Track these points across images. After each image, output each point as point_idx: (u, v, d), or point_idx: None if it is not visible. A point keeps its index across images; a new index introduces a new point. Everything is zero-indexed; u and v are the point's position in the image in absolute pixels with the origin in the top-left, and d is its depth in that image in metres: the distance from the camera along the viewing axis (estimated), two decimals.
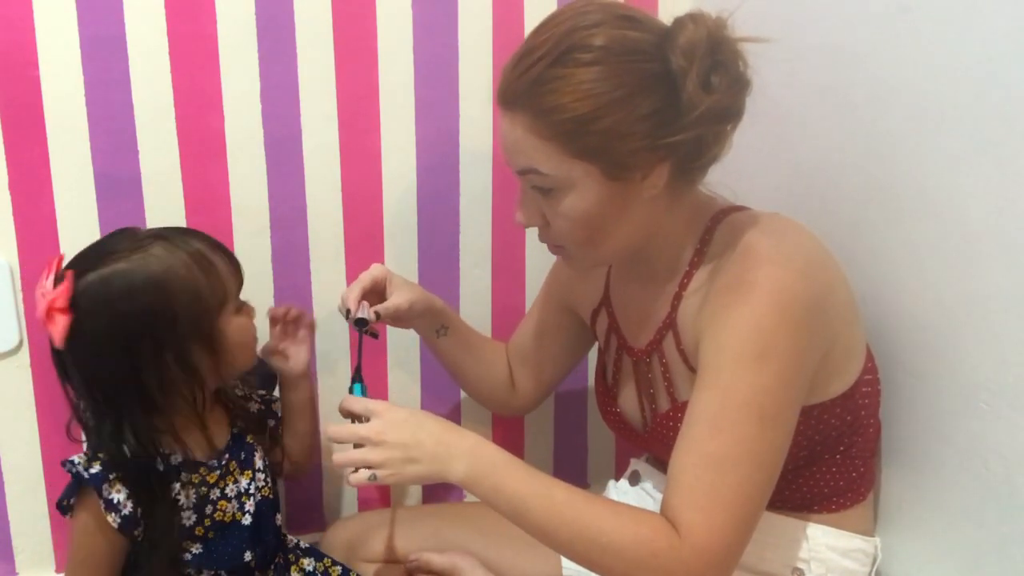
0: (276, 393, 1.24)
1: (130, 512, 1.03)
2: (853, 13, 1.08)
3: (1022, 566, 0.93)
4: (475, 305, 1.40)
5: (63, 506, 1.05)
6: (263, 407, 1.21)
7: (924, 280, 1.01)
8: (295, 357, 1.22)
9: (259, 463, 1.14)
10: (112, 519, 1.03)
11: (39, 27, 1.16)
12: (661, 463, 1.17)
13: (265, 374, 1.23)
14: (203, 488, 1.08)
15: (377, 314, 1.13)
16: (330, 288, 1.33)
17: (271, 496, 1.14)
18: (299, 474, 1.27)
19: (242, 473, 1.12)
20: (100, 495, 1.03)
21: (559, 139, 0.91)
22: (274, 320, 1.22)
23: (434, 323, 1.22)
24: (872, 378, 1.03)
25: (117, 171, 1.22)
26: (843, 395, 1.00)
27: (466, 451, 0.94)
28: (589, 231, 0.96)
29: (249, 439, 1.14)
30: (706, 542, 0.87)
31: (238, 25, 1.22)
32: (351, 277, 1.34)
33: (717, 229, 1.00)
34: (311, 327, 1.25)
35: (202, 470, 1.09)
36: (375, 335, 1.15)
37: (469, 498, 1.43)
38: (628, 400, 1.13)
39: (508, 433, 1.49)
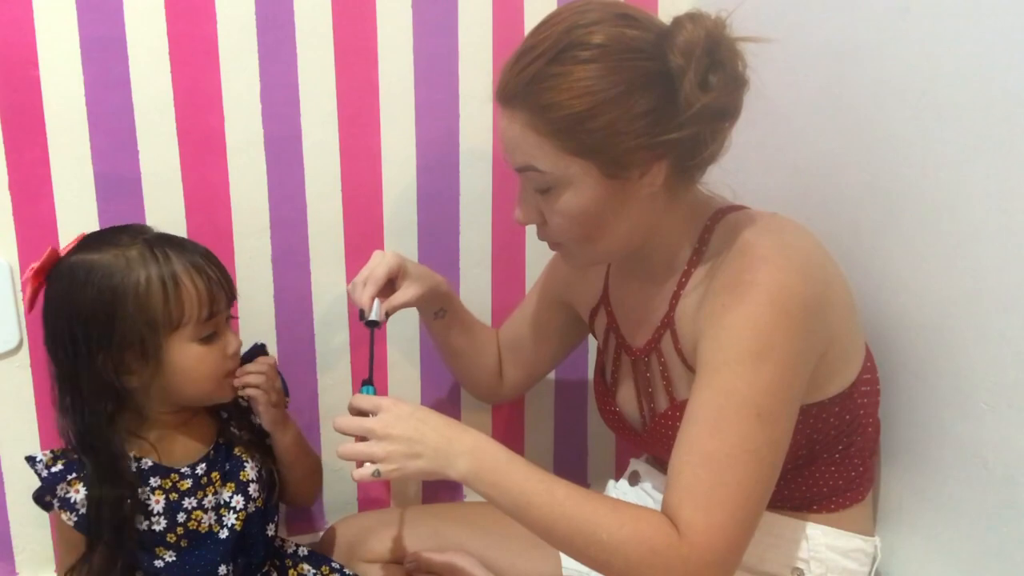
0: None
1: (86, 512, 1.05)
2: (853, 13, 1.08)
3: (1022, 566, 0.93)
4: (475, 305, 1.40)
5: (43, 502, 1.07)
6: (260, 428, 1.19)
7: (924, 280, 1.01)
8: (262, 416, 1.15)
9: (251, 474, 1.13)
10: (67, 517, 1.05)
11: (39, 27, 1.16)
12: (660, 463, 1.17)
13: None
14: (173, 494, 1.08)
15: (386, 314, 1.12)
16: (330, 288, 1.33)
17: (263, 507, 1.14)
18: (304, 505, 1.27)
19: (224, 485, 1.12)
20: (54, 494, 1.05)
21: (557, 136, 0.91)
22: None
23: (434, 306, 1.21)
24: (871, 377, 1.03)
25: (117, 171, 1.22)
26: (842, 394, 1.00)
27: (468, 448, 0.94)
28: (587, 229, 0.96)
29: (237, 451, 1.14)
30: (706, 541, 0.87)
31: (238, 25, 1.22)
32: (351, 277, 1.33)
33: (716, 228, 1.00)
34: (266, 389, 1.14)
35: (173, 476, 1.09)
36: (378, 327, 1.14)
37: (469, 498, 1.44)
38: (627, 399, 1.13)
39: (508, 432, 1.49)
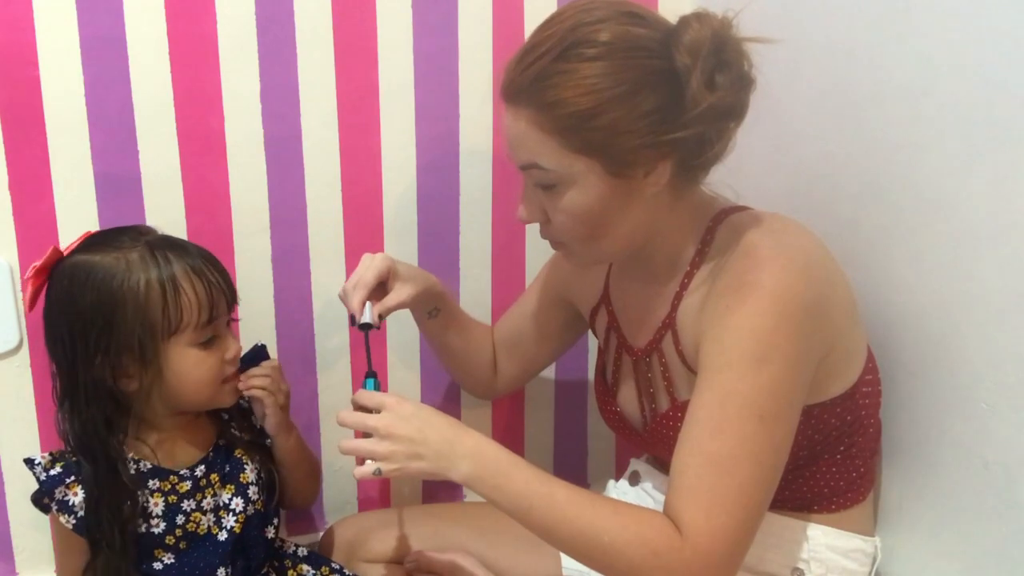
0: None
1: (85, 515, 1.05)
2: (854, 14, 1.08)
3: (1022, 566, 0.93)
4: (475, 305, 1.40)
5: (41, 504, 1.07)
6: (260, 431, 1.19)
7: (924, 280, 1.01)
8: (266, 419, 1.15)
9: (251, 476, 1.13)
10: (65, 520, 1.05)
11: (39, 27, 1.16)
12: (661, 463, 1.17)
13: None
14: (172, 496, 1.08)
15: (380, 317, 1.12)
16: (330, 288, 1.33)
17: (263, 510, 1.14)
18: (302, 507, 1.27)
19: (223, 487, 1.12)
20: (52, 497, 1.05)
21: (561, 134, 0.91)
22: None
23: (428, 305, 1.21)
24: (873, 378, 1.03)
25: (117, 171, 1.22)
26: (844, 395, 1.00)
27: (470, 450, 0.94)
28: (590, 227, 0.96)
29: (237, 453, 1.14)
30: (708, 542, 0.87)
31: (238, 25, 1.22)
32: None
33: (719, 229, 1.00)
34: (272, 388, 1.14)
35: (172, 479, 1.09)
36: (376, 328, 1.13)
37: (469, 498, 1.43)
38: (628, 399, 1.13)
39: (508, 432, 1.49)
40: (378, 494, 1.45)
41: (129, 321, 1.02)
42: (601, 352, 1.18)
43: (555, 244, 1.03)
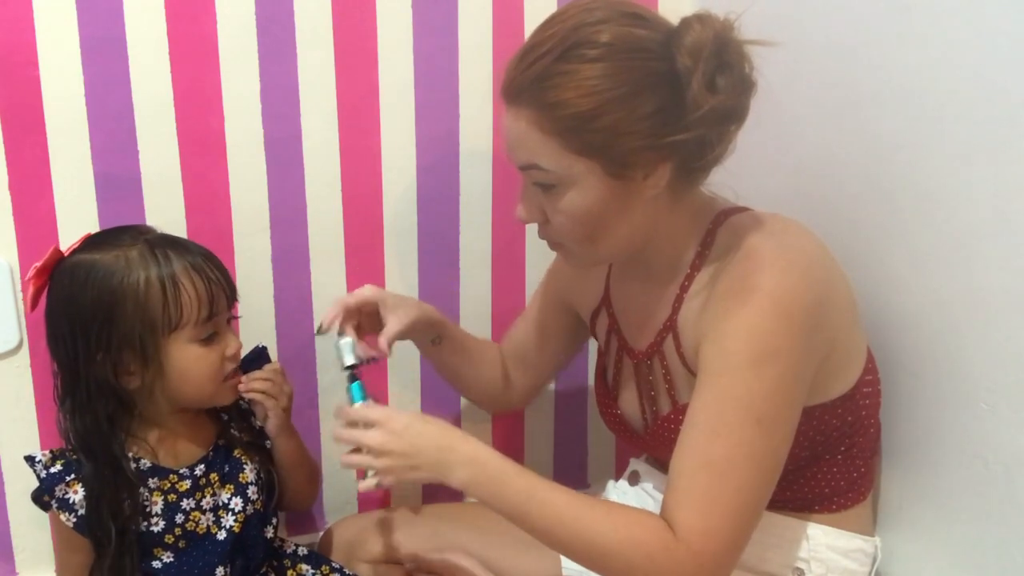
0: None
1: (85, 513, 1.05)
2: (854, 14, 1.08)
3: (1022, 566, 0.93)
4: (475, 306, 1.40)
5: (41, 502, 1.07)
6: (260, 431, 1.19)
7: (924, 280, 1.01)
8: (268, 422, 1.16)
9: (250, 476, 1.13)
10: (66, 518, 1.05)
11: (39, 27, 1.16)
12: (661, 463, 1.17)
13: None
14: (171, 495, 1.08)
15: (373, 358, 1.09)
16: (330, 288, 1.33)
17: (262, 510, 1.14)
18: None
19: (223, 486, 1.12)
20: (52, 495, 1.05)
21: (561, 135, 0.91)
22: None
23: (429, 334, 1.20)
24: (873, 379, 1.03)
25: (117, 171, 1.22)
26: (844, 396, 1.00)
27: (466, 457, 0.94)
28: (589, 229, 0.96)
29: (237, 453, 1.14)
30: (702, 545, 0.88)
31: (238, 25, 1.22)
32: (351, 277, 1.34)
33: (719, 230, 1.00)
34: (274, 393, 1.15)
35: (172, 477, 1.09)
36: (375, 360, 1.10)
37: (469, 498, 1.43)
38: (629, 402, 1.12)
39: (508, 434, 1.49)
40: (378, 494, 1.45)
41: (129, 318, 1.02)
42: (601, 354, 1.18)
43: (553, 245, 1.02)
